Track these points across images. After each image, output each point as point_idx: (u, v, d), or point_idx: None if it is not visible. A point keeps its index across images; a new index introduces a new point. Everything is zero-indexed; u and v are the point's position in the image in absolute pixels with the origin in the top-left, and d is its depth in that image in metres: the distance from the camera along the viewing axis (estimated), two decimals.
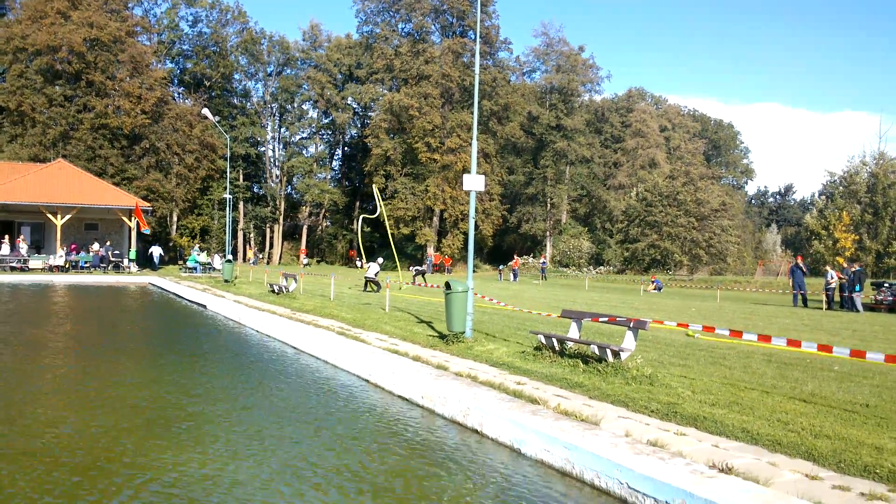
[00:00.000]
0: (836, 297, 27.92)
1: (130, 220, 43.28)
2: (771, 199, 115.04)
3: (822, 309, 26.83)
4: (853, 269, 27.39)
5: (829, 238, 58.62)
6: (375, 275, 29.09)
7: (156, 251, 46.94)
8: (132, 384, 10.42)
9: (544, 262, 61.00)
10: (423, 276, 36.50)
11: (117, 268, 42.58)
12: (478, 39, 14.07)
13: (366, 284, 29.26)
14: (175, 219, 65.94)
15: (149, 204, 47.39)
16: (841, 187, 62.58)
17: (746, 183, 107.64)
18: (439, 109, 63.94)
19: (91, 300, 26.25)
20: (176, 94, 69.74)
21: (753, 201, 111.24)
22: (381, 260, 31.94)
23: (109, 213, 44.37)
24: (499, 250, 75.98)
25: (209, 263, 46.89)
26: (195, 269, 44.37)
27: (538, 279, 54.79)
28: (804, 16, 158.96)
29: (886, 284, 29.17)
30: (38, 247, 42.99)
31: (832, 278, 28.08)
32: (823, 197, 66.59)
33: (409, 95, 62.75)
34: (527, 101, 73.93)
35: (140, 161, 57.77)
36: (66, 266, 40.50)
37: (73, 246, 42.56)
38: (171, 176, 59.62)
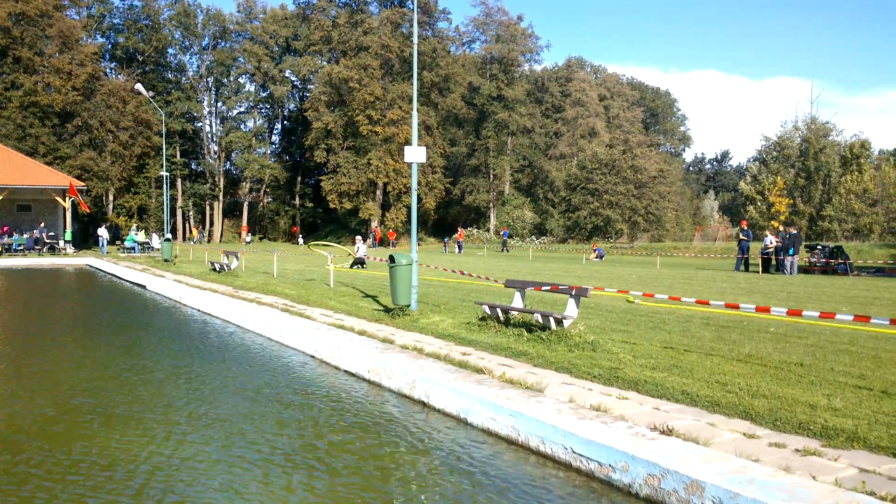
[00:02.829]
0: (774, 261, 28.60)
1: (65, 201, 42.13)
2: (708, 166, 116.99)
3: (758, 272, 27.50)
4: (789, 233, 28.07)
5: (764, 203, 59.94)
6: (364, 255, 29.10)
7: (103, 233, 45.18)
8: (68, 368, 10.18)
9: (506, 234, 59.88)
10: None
11: (53, 249, 41.49)
12: (415, 9, 13.94)
13: (353, 264, 28.87)
14: (111, 198, 64.37)
15: (83, 183, 46.20)
16: (775, 152, 63.91)
17: (684, 150, 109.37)
18: (380, 81, 63.41)
19: (27, 283, 25.56)
20: (108, 70, 67.88)
21: (691, 168, 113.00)
22: (368, 241, 31.59)
23: (43, 194, 43.14)
24: (443, 222, 76.05)
25: (148, 243, 45.96)
26: (133, 249, 43.51)
27: (482, 251, 54.92)
28: None
29: (819, 247, 30.02)
30: None
31: (770, 242, 28.72)
32: (757, 163, 67.92)
33: (348, 67, 62.11)
34: (467, 71, 73.71)
35: (73, 139, 56.11)
36: None
37: (4, 228, 41.31)
38: (106, 154, 58.12)
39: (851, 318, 7.68)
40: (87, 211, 42.23)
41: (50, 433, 6.90)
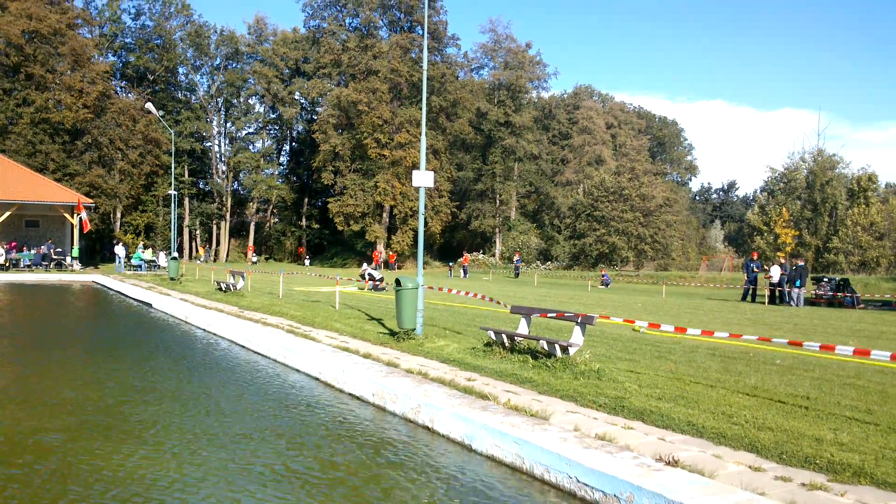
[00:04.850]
0: (778, 293, 28.47)
1: (73, 217, 42.30)
2: (714, 196, 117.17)
3: (764, 304, 27.42)
4: (795, 265, 28.01)
5: (770, 234, 59.94)
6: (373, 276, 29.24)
7: (120, 251, 44.61)
8: (74, 385, 10.19)
9: (518, 260, 58.15)
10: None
11: (60, 266, 41.60)
12: (425, 35, 14.09)
13: (374, 288, 28.87)
14: (119, 215, 64.56)
15: (91, 200, 46.37)
16: (781, 184, 64.01)
17: (690, 179, 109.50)
18: (388, 105, 63.69)
19: (33, 299, 25.62)
20: (119, 88, 68.26)
21: (697, 198, 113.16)
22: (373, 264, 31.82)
23: (51, 210, 43.31)
24: (448, 246, 76.09)
25: (154, 261, 45.98)
26: (140, 266, 43.53)
27: (488, 275, 54.79)
28: (750, 15, 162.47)
29: (826, 279, 29.94)
30: None
31: (777, 273, 28.61)
32: (765, 193, 68.01)
33: (357, 90, 62.40)
34: (475, 97, 73.99)
35: (82, 156, 56.36)
36: (7, 264, 39.44)
37: (12, 244, 41.45)
38: (115, 172, 58.36)
39: (851, 351, 7.67)
40: (88, 230, 42.19)
41: (63, 449, 6.90)
